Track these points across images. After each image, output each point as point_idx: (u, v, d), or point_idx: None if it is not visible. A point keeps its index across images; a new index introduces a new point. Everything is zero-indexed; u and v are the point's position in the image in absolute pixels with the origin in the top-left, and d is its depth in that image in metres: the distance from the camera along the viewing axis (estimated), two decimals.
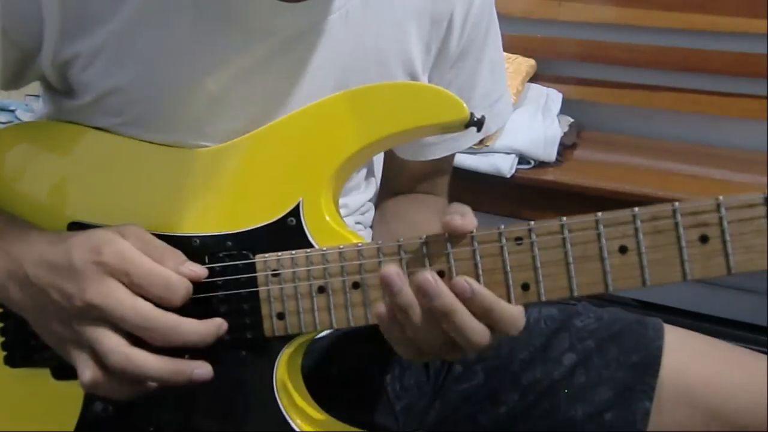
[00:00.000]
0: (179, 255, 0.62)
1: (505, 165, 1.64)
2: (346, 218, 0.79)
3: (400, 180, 0.89)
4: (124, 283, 0.57)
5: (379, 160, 0.91)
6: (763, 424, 0.69)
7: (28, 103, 1.92)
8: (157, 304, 0.58)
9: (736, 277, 1.64)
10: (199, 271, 0.61)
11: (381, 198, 0.90)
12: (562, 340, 0.77)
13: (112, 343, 0.57)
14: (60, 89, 0.69)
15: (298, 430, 0.62)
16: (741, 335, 1.68)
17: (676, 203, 0.53)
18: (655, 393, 0.72)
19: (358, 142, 0.62)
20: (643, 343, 0.75)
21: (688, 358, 0.74)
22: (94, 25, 0.63)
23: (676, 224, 0.53)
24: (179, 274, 0.60)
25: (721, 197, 0.52)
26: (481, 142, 1.63)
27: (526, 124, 1.69)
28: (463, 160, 1.62)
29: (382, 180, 0.90)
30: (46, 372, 0.67)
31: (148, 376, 0.58)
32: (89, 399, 0.66)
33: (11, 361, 0.68)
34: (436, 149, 0.84)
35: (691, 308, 1.80)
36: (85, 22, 0.63)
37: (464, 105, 0.61)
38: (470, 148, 1.64)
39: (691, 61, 1.77)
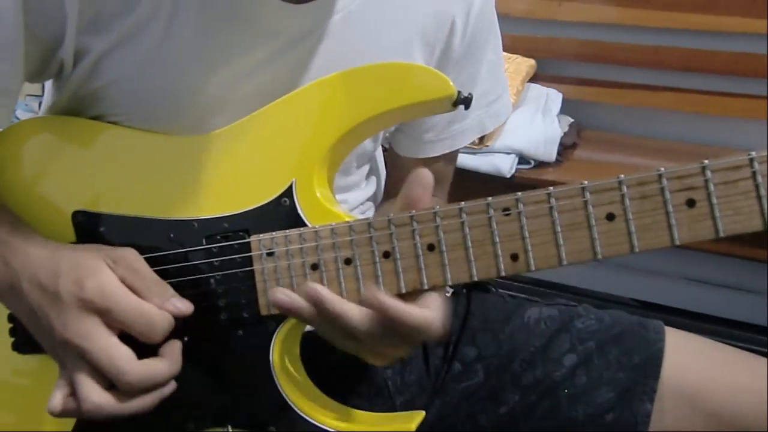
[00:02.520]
0: (166, 289, 0.62)
1: (505, 165, 1.64)
2: None
3: (402, 182, 0.89)
4: (104, 322, 0.59)
5: (381, 161, 0.91)
6: (763, 425, 0.69)
7: (28, 103, 1.92)
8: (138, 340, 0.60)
9: (736, 277, 1.64)
10: (184, 307, 0.62)
11: (385, 201, 0.90)
12: (563, 340, 0.78)
13: (87, 389, 0.58)
14: (71, 82, 0.69)
15: (295, 407, 0.64)
16: (741, 335, 1.68)
17: (662, 168, 0.53)
18: (656, 395, 0.72)
19: (348, 123, 0.64)
20: (644, 344, 0.75)
21: (688, 360, 0.74)
22: (110, 22, 0.65)
23: (662, 189, 0.53)
24: (164, 309, 0.61)
25: (706, 161, 0.52)
26: (481, 141, 1.63)
27: (526, 124, 1.69)
28: (463, 160, 1.62)
29: (386, 184, 0.90)
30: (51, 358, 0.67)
31: (117, 417, 0.59)
32: None
33: (19, 347, 0.69)
34: (437, 145, 0.84)
35: (691, 308, 1.80)
36: (101, 18, 0.64)
37: (451, 82, 0.62)
38: (470, 148, 1.65)
39: (691, 61, 1.76)
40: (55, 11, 0.63)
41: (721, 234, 0.52)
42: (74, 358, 0.59)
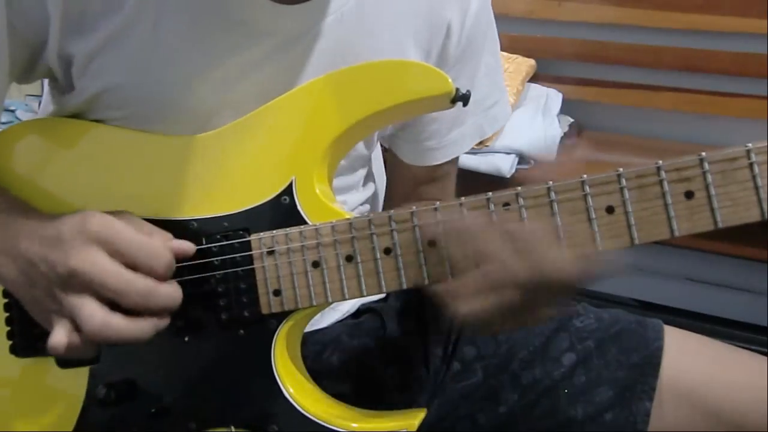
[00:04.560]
0: (167, 234, 0.63)
1: (505, 165, 1.64)
2: None
3: (406, 186, 0.90)
4: (108, 252, 0.58)
5: (379, 166, 0.91)
6: (763, 424, 0.69)
7: (28, 103, 1.92)
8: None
9: (736, 277, 1.64)
10: (187, 246, 0.62)
11: (390, 206, 0.90)
12: (562, 340, 0.78)
13: (92, 309, 0.57)
14: (64, 85, 0.69)
15: (297, 406, 0.64)
16: (741, 335, 1.68)
17: (660, 161, 0.54)
18: (655, 393, 0.72)
19: (347, 120, 0.64)
20: (643, 343, 0.75)
21: (688, 359, 0.74)
22: (95, 24, 0.64)
23: (661, 181, 0.54)
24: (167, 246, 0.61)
25: (704, 153, 0.53)
26: (481, 142, 1.63)
27: (526, 124, 1.69)
28: (463, 160, 1.60)
29: (389, 189, 0.91)
30: (50, 360, 0.68)
31: (123, 340, 0.58)
32: (92, 385, 0.67)
33: (16, 351, 0.69)
34: (439, 153, 0.85)
35: (691, 308, 1.80)
36: (86, 20, 0.64)
37: (449, 79, 0.62)
38: (470, 148, 1.66)
39: (691, 61, 1.76)
40: (38, 12, 0.63)
41: (720, 225, 0.53)
42: (75, 291, 0.58)
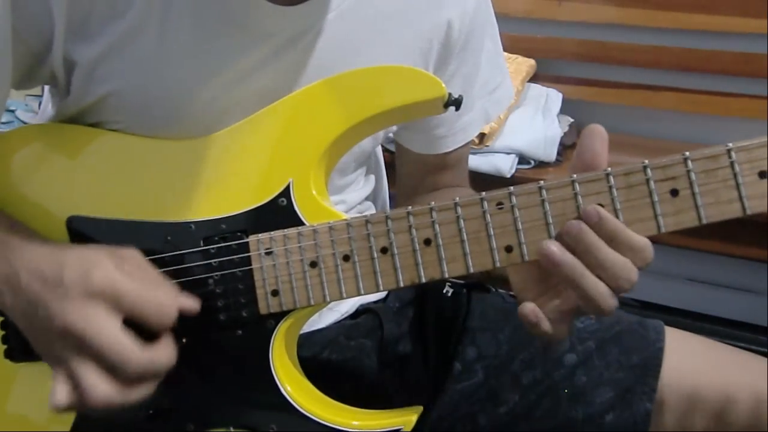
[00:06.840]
0: (173, 287, 0.62)
1: (505, 165, 1.64)
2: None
3: (417, 177, 0.90)
4: (111, 307, 0.57)
5: (378, 160, 0.91)
6: (763, 425, 0.69)
7: (28, 103, 1.92)
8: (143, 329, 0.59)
9: (736, 277, 1.64)
10: (192, 304, 0.62)
11: (406, 198, 0.90)
12: (563, 340, 0.77)
13: (93, 381, 0.57)
14: (66, 90, 0.69)
15: (296, 405, 0.64)
16: (741, 335, 1.68)
17: (646, 160, 0.55)
18: (655, 394, 0.72)
19: (343, 124, 0.65)
20: (643, 344, 0.75)
21: (688, 360, 0.74)
22: (99, 29, 0.64)
23: (648, 180, 0.55)
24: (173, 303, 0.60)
25: (687, 152, 0.55)
26: (481, 141, 1.63)
27: (526, 124, 1.69)
28: None
29: (403, 180, 0.91)
30: (45, 363, 0.66)
31: (120, 407, 0.58)
32: None
33: (11, 355, 0.68)
34: (450, 140, 0.85)
35: (691, 308, 1.80)
36: (90, 25, 0.64)
37: (442, 83, 0.64)
38: (470, 148, 1.65)
39: (691, 61, 1.77)
40: (42, 17, 0.63)
41: (704, 221, 0.55)
42: (73, 350, 0.57)
